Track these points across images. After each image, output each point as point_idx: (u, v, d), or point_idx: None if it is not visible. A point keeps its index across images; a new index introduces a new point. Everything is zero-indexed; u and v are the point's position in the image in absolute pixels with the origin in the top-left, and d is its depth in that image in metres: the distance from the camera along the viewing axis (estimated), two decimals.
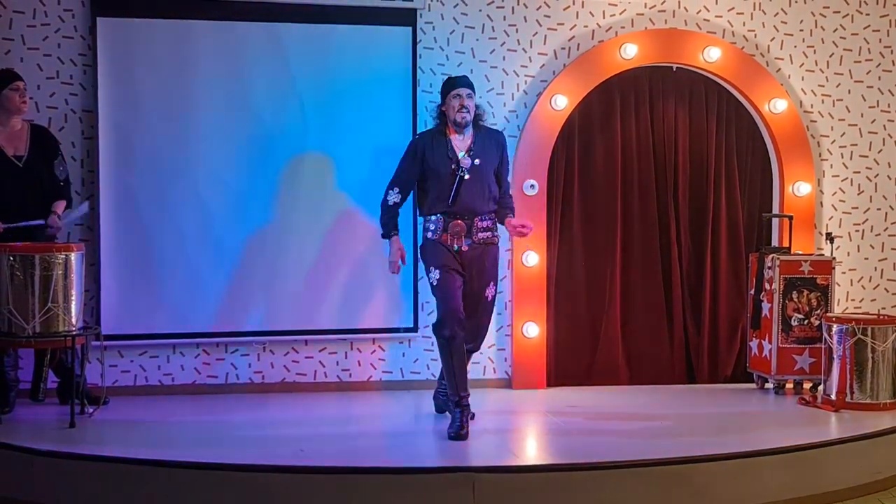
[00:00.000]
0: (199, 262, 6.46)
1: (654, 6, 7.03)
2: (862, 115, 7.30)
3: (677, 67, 7.09)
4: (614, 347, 7.04)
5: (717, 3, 7.10)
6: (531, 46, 6.91)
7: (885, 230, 7.37)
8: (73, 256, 5.57)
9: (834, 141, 7.28)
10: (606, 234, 7.04)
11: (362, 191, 6.61)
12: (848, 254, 7.30)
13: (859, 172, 7.32)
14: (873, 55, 7.30)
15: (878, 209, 7.36)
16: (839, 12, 7.25)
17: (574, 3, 6.94)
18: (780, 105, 7.06)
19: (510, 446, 5.52)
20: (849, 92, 7.28)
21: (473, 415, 5.73)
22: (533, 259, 6.80)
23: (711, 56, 6.95)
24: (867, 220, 7.34)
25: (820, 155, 7.26)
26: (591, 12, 6.96)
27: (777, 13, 7.17)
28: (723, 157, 7.19)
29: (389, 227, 5.70)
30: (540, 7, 6.91)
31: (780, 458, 5.11)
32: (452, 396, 5.48)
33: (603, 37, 6.96)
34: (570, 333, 7.02)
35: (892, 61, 7.34)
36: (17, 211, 5.77)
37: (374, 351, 6.78)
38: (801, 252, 6.89)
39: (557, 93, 6.82)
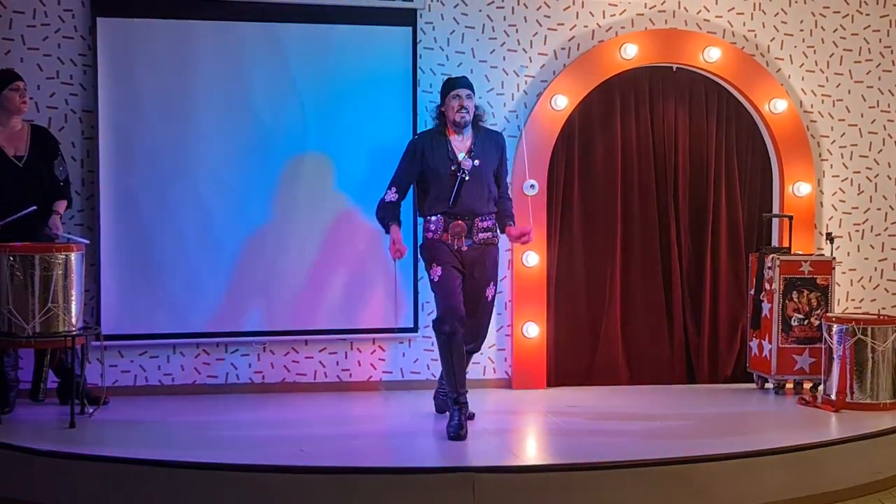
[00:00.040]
0: (199, 262, 6.46)
1: (654, 6, 7.03)
2: (862, 116, 7.30)
3: (677, 67, 7.09)
4: (614, 347, 7.04)
5: (717, 3, 7.10)
6: (531, 46, 6.91)
7: (885, 230, 7.37)
8: (73, 256, 5.57)
9: (834, 141, 7.28)
10: (606, 234, 7.04)
11: (362, 190, 6.60)
12: (848, 254, 7.30)
13: (859, 172, 7.32)
14: (873, 55, 7.30)
15: (878, 209, 7.36)
16: (839, 12, 7.25)
17: (574, 3, 6.94)
18: (780, 105, 7.06)
19: (510, 446, 5.52)
20: (849, 92, 7.28)
21: (473, 414, 5.74)
22: (533, 259, 6.80)
23: (711, 56, 6.95)
24: (867, 220, 7.35)
25: (820, 155, 7.26)
26: (591, 12, 6.96)
27: (777, 13, 7.17)
28: (723, 157, 7.19)
29: (387, 220, 5.69)
30: (540, 7, 6.91)
31: (780, 458, 5.11)
32: (451, 394, 5.49)
33: (603, 37, 6.96)
34: (571, 333, 7.02)
35: (893, 61, 7.34)
36: (17, 211, 5.76)
37: (374, 351, 6.78)
38: (801, 252, 6.89)
39: (557, 93, 6.82)
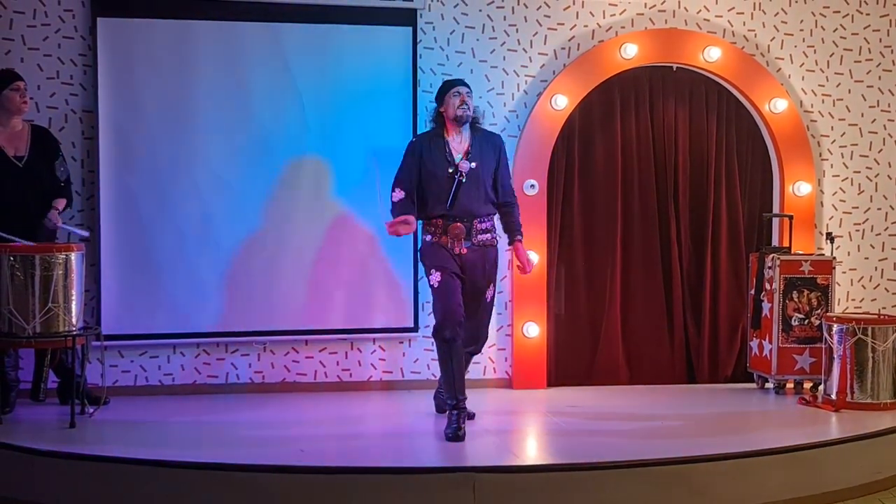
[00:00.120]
0: (199, 262, 6.46)
1: (654, 6, 7.03)
2: (862, 115, 7.30)
3: (677, 67, 7.09)
4: (614, 347, 7.04)
5: (717, 2, 7.10)
6: (531, 46, 6.91)
7: (885, 230, 7.37)
8: (74, 256, 5.57)
9: (834, 141, 7.28)
10: (607, 233, 7.04)
11: (362, 190, 6.61)
12: (848, 253, 7.30)
13: (859, 172, 7.32)
14: (873, 55, 7.30)
15: (879, 209, 7.36)
16: (839, 12, 7.25)
17: (574, 3, 6.94)
18: (780, 105, 7.06)
19: (510, 446, 5.52)
20: (849, 92, 7.28)
21: (473, 415, 5.74)
22: (533, 259, 6.77)
23: (711, 56, 6.95)
24: (867, 219, 7.34)
25: (820, 155, 7.26)
26: (591, 12, 6.96)
27: (777, 13, 7.17)
28: (723, 156, 7.19)
29: (397, 213, 5.59)
30: (540, 7, 6.91)
31: (780, 458, 5.11)
32: (450, 400, 5.47)
33: (603, 37, 6.96)
34: (571, 333, 7.02)
35: (893, 61, 7.34)
36: (18, 212, 5.77)
37: (374, 351, 6.78)
38: (801, 252, 6.89)
39: (557, 93, 6.82)
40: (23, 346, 5.72)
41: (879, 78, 7.32)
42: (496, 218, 5.76)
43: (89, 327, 5.97)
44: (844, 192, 7.31)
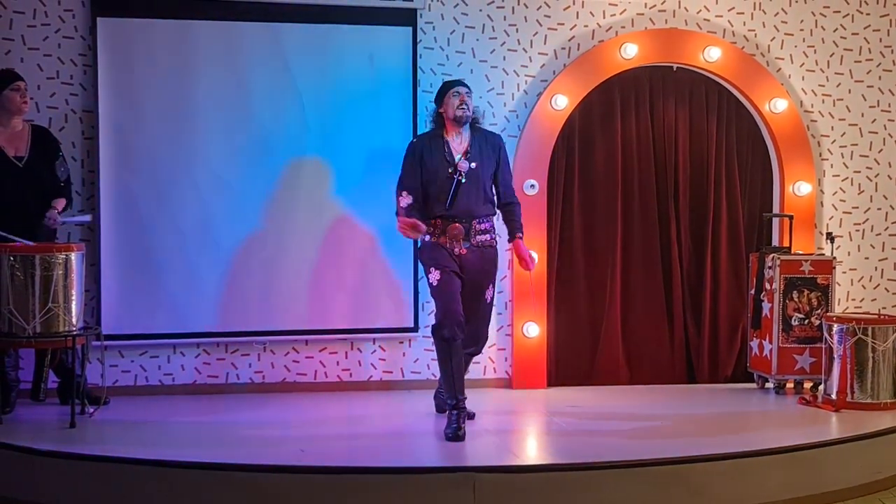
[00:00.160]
0: (199, 262, 6.46)
1: (655, 6, 7.03)
2: (862, 115, 7.30)
3: (677, 67, 7.09)
4: (615, 347, 7.04)
5: (717, 2, 7.10)
6: (531, 46, 6.91)
7: (885, 230, 7.37)
8: (74, 256, 5.57)
9: (834, 141, 7.28)
10: (607, 233, 7.04)
11: (362, 190, 6.61)
12: (848, 253, 7.30)
13: (860, 172, 7.32)
14: (873, 55, 7.30)
15: (879, 209, 7.36)
16: (839, 12, 7.25)
17: (574, 3, 6.94)
18: (780, 105, 7.06)
19: (510, 446, 5.52)
20: (849, 92, 7.28)
21: (473, 414, 5.74)
22: (534, 257, 6.78)
23: (712, 56, 6.95)
24: (867, 219, 7.34)
25: (820, 154, 7.26)
26: (591, 12, 6.96)
27: (777, 13, 7.17)
28: (723, 156, 7.19)
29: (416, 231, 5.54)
30: (540, 7, 6.91)
31: (780, 458, 5.11)
32: (450, 400, 5.47)
33: (603, 37, 6.96)
34: (571, 333, 7.02)
35: (893, 61, 7.34)
36: (18, 212, 5.76)
37: (375, 351, 6.78)
38: (801, 252, 6.89)
39: (558, 93, 6.82)
40: (23, 346, 5.72)
41: (879, 78, 7.32)
42: (495, 218, 5.75)
43: (89, 327, 5.97)
44: (844, 192, 7.31)
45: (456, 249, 5.57)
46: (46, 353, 5.89)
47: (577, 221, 7.01)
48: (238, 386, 6.59)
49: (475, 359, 6.11)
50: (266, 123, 6.53)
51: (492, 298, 5.76)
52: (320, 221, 6.61)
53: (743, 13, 7.13)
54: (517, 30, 6.89)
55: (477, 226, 5.61)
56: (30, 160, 5.89)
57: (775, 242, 7.08)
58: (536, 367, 6.84)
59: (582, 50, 6.94)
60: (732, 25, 7.11)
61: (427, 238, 5.63)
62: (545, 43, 6.93)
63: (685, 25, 7.05)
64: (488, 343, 5.98)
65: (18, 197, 5.80)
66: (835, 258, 6.77)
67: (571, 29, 6.95)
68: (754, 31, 7.15)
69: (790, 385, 6.70)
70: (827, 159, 7.27)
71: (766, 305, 6.70)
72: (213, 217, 6.48)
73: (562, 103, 6.82)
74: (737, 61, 7.03)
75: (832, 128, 7.27)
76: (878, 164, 7.34)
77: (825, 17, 7.24)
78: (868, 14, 7.29)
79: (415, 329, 6.74)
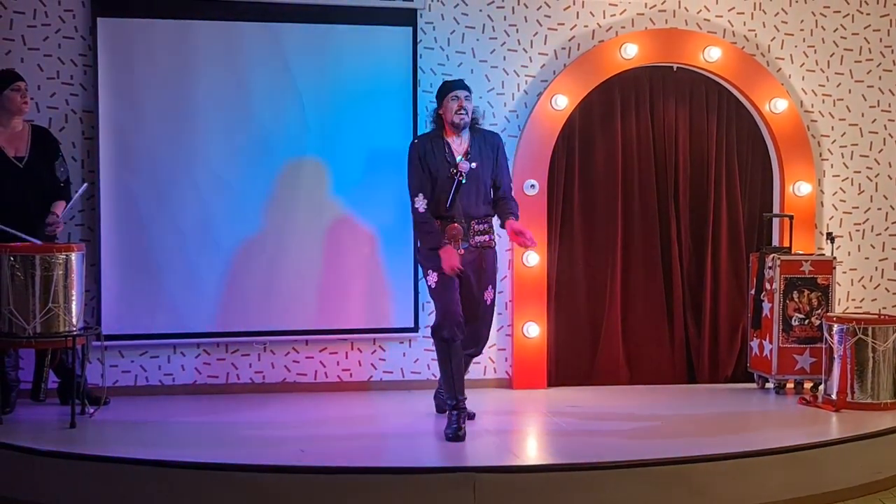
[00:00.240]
0: (199, 263, 6.46)
1: (655, 6, 7.03)
2: (862, 115, 7.30)
3: (678, 67, 7.09)
4: (615, 347, 7.04)
5: (717, 2, 7.10)
6: (531, 46, 6.91)
7: (885, 230, 7.37)
8: (74, 257, 5.57)
9: (834, 141, 7.28)
10: (607, 233, 7.04)
11: (362, 190, 6.61)
12: (848, 253, 7.30)
13: (860, 172, 7.32)
14: (874, 55, 7.30)
15: (879, 209, 7.35)
16: (840, 12, 7.25)
17: (574, 3, 6.94)
18: (780, 105, 7.06)
19: (510, 446, 5.52)
20: (849, 92, 7.28)
21: (473, 414, 5.74)
22: (533, 259, 6.80)
23: (712, 56, 6.95)
24: (868, 219, 7.34)
25: (820, 155, 7.26)
26: (591, 12, 6.96)
27: (777, 13, 7.17)
28: (723, 156, 7.19)
29: (436, 236, 5.50)
30: (540, 7, 6.91)
31: (780, 458, 5.11)
32: (450, 400, 5.47)
33: (603, 37, 6.96)
34: (571, 333, 7.02)
35: (893, 61, 7.34)
36: (18, 212, 5.76)
37: (375, 351, 6.78)
38: (801, 252, 6.89)
39: (558, 93, 6.82)
40: (23, 347, 5.72)
41: (880, 78, 7.32)
42: (494, 219, 5.74)
43: (89, 327, 5.97)
44: (845, 192, 7.31)
45: (454, 250, 5.56)
46: (46, 353, 5.89)
47: (577, 221, 7.01)
48: (238, 386, 6.59)
49: (475, 359, 6.11)
50: (266, 123, 6.53)
51: (492, 300, 5.74)
52: (320, 221, 6.60)
53: (743, 13, 7.13)
54: (517, 30, 6.89)
55: (476, 226, 5.60)
56: (30, 160, 5.89)
57: (775, 242, 7.08)
58: (536, 367, 6.84)
59: (582, 50, 6.94)
60: (732, 25, 7.11)
61: None
62: (545, 43, 6.93)
63: (685, 25, 7.05)
64: (489, 343, 5.98)
65: (18, 197, 5.80)
66: (835, 258, 6.77)
67: (571, 29, 6.95)
68: (754, 31, 7.15)
69: (790, 385, 6.70)
70: (827, 159, 7.27)
71: (766, 305, 6.70)
72: (213, 217, 6.48)
73: (562, 103, 6.82)
74: (737, 61, 7.03)
75: (832, 128, 7.27)
76: (879, 164, 7.34)
77: (825, 17, 7.24)
78: (868, 14, 7.29)
79: (415, 329, 6.74)
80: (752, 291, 6.85)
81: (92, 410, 5.78)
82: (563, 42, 6.95)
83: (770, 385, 6.71)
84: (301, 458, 4.95)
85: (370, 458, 5.13)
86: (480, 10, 6.85)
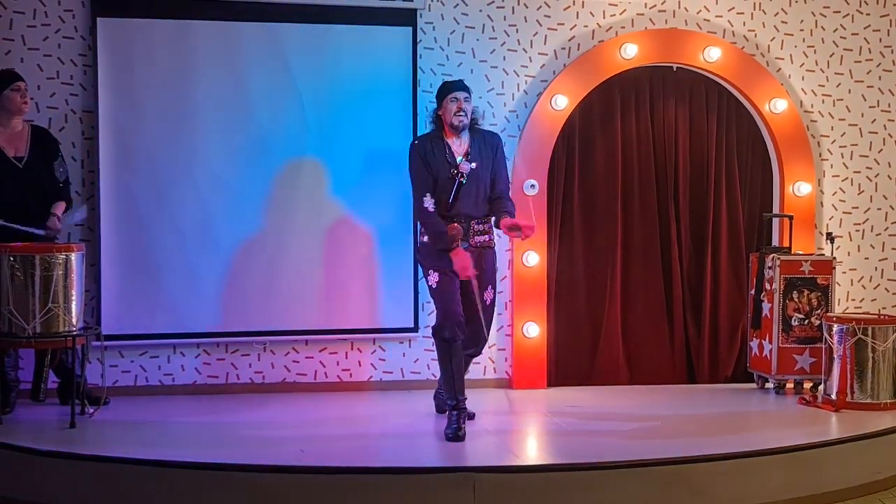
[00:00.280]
0: (199, 263, 6.46)
1: (655, 6, 7.03)
2: (862, 115, 7.30)
3: (677, 67, 7.09)
4: (615, 347, 7.04)
5: (717, 3, 7.10)
6: (531, 46, 6.91)
7: (885, 230, 7.37)
8: (74, 257, 5.57)
9: (834, 141, 7.28)
10: (607, 233, 7.04)
11: (362, 190, 6.61)
12: (848, 253, 7.30)
13: (860, 172, 7.32)
14: (873, 55, 7.30)
15: (879, 209, 7.36)
16: (839, 12, 7.25)
17: (574, 3, 6.94)
18: (780, 105, 7.06)
19: (510, 446, 5.52)
20: (849, 92, 7.28)
21: (473, 415, 5.74)
22: (533, 259, 6.80)
23: (712, 56, 6.95)
24: (867, 219, 7.34)
25: (820, 155, 7.26)
26: (591, 12, 6.96)
27: (777, 13, 7.17)
28: (723, 156, 7.19)
29: (447, 236, 5.45)
30: (540, 7, 6.91)
31: (780, 458, 5.11)
32: (450, 400, 5.47)
33: (603, 37, 6.96)
34: (571, 333, 7.02)
35: (893, 61, 7.34)
36: (17, 212, 5.76)
37: (375, 351, 6.78)
38: (801, 252, 6.89)
39: (558, 93, 6.82)
40: (23, 347, 5.72)
41: (879, 78, 7.32)
42: (493, 219, 5.74)
43: (89, 327, 5.97)
44: (844, 192, 7.31)
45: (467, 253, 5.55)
46: (46, 353, 5.89)
47: (577, 221, 7.01)
48: (238, 386, 6.59)
49: (475, 359, 6.11)
50: (265, 123, 6.53)
51: (492, 301, 5.74)
52: (320, 221, 6.60)
53: (743, 13, 7.13)
54: (517, 30, 6.89)
55: (475, 226, 5.60)
56: (29, 160, 5.89)
57: (775, 242, 7.08)
58: (536, 367, 6.84)
59: (582, 50, 6.94)
60: (732, 25, 7.11)
61: (426, 239, 5.63)
62: (545, 43, 6.93)
63: (685, 25, 7.05)
64: (489, 343, 5.98)
65: (18, 197, 5.80)
66: (835, 258, 6.77)
67: (571, 29, 6.95)
68: (754, 31, 7.15)
69: (790, 385, 6.70)
70: (827, 159, 7.27)
71: (766, 305, 6.70)
72: (212, 217, 6.48)
73: (562, 103, 6.82)
74: (737, 61, 7.03)
75: (832, 128, 7.27)
76: (878, 164, 7.34)
77: (825, 17, 7.24)
78: (868, 14, 7.29)
79: (415, 329, 6.74)
80: (752, 291, 6.85)
81: (92, 410, 5.78)
82: (563, 42, 6.95)
83: (770, 385, 6.71)
84: (301, 458, 4.95)
85: (370, 458, 5.13)
86: (480, 10, 6.85)
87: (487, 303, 5.71)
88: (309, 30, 6.56)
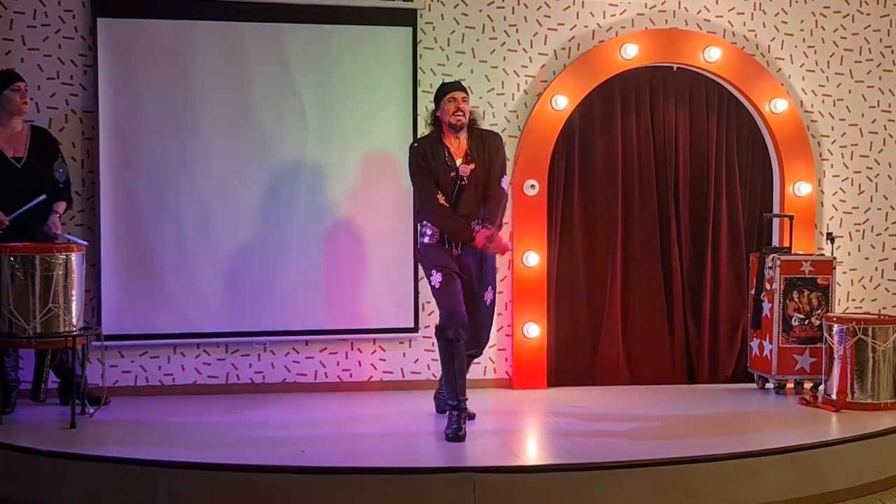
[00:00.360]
0: (199, 263, 6.46)
1: (655, 6, 7.03)
2: (862, 115, 7.30)
3: (678, 67, 7.09)
4: (615, 347, 7.04)
5: (717, 3, 7.10)
6: (531, 46, 6.91)
7: (885, 230, 7.37)
8: (74, 257, 5.57)
9: (834, 141, 7.28)
10: (607, 233, 7.04)
11: (363, 190, 6.61)
12: (848, 254, 7.30)
13: (860, 172, 7.32)
14: (874, 55, 7.30)
15: (879, 209, 7.35)
16: (839, 12, 7.25)
17: (574, 3, 6.94)
18: (780, 105, 7.06)
19: (511, 446, 5.52)
20: (849, 92, 7.28)
21: (473, 415, 5.73)
22: (533, 259, 6.80)
23: (712, 56, 6.95)
24: (868, 219, 7.34)
25: (820, 155, 7.26)
26: (591, 12, 6.96)
27: (777, 13, 7.17)
28: (723, 156, 7.19)
29: (465, 225, 5.44)
30: (540, 7, 6.91)
31: (780, 458, 5.11)
32: (451, 401, 5.46)
33: (603, 37, 6.96)
34: (571, 333, 7.02)
35: (893, 61, 7.34)
36: (16, 212, 5.76)
37: (375, 351, 6.78)
38: (801, 252, 6.89)
39: (558, 93, 6.82)
40: (23, 347, 5.72)
41: (880, 78, 7.32)
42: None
43: (89, 327, 5.97)
44: (844, 192, 7.31)
45: (454, 251, 5.56)
46: (46, 353, 5.90)
47: (577, 221, 7.01)
48: (238, 386, 6.59)
49: (476, 359, 6.11)
50: (266, 123, 6.53)
51: (492, 301, 5.74)
52: (320, 221, 6.60)
53: (743, 13, 7.13)
54: (517, 30, 6.89)
55: (475, 226, 5.58)
56: (28, 161, 5.89)
57: (775, 242, 7.08)
58: (536, 367, 6.84)
59: (582, 50, 6.94)
60: (732, 25, 7.11)
61: (426, 240, 5.63)
62: (545, 43, 6.93)
63: (685, 25, 7.05)
64: (489, 343, 5.98)
65: (18, 198, 5.79)
66: (835, 258, 6.77)
67: (571, 29, 6.95)
68: (754, 31, 7.15)
69: (790, 385, 6.70)
70: (827, 159, 7.27)
71: (766, 305, 6.70)
72: (213, 217, 6.48)
73: (562, 103, 6.82)
74: (737, 61, 7.03)
75: (832, 128, 7.27)
76: (878, 164, 7.34)
77: (825, 17, 7.24)
78: (868, 14, 7.29)
79: (415, 329, 6.74)
80: (752, 291, 6.85)
81: (92, 410, 5.78)
82: (563, 42, 6.95)
83: (770, 385, 6.71)
84: (301, 458, 4.95)
85: (370, 458, 5.13)
86: (480, 10, 6.85)
87: (488, 303, 5.71)
88: (309, 30, 6.56)
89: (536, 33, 6.92)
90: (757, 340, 6.82)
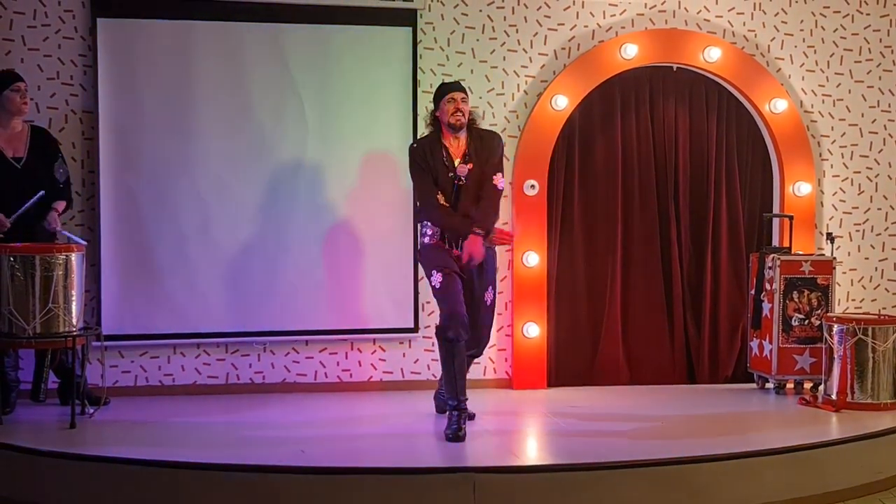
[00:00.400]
0: (199, 263, 6.46)
1: (655, 6, 7.03)
2: (862, 115, 7.30)
3: (678, 67, 7.09)
4: (615, 347, 7.04)
5: (717, 3, 7.10)
6: (531, 46, 6.91)
7: (885, 230, 7.37)
8: (74, 257, 5.57)
9: (834, 141, 7.28)
10: (607, 234, 7.04)
11: (363, 190, 6.61)
12: (848, 254, 7.30)
13: (860, 172, 7.32)
14: (874, 55, 7.30)
15: (879, 209, 7.36)
16: (839, 12, 7.25)
17: (574, 4, 6.94)
18: (780, 105, 7.06)
19: (511, 446, 5.52)
20: (849, 92, 7.28)
21: (473, 415, 5.73)
22: (533, 259, 6.80)
23: (712, 56, 6.95)
24: (868, 219, 7.34)
25: (820, 155, 7.26)
26: (591, 12, 6.96)
27: (777, 13, 7.17)
28: (723, 156, 7.19)
29: (465, 221, 5.47)
30: (540, 7, 6.91)
31: (780, 459, 5.11)
32: (451, 401, 5.46)
33: (603, 37, 6.96)
34: (571, 333, 7.02)
35: (893, 61, 7.34)
36: (16, 212, 5.75)
37: (375, 351, 6.78)
38: (801, 252, 6.89)
39: (558, 93, 6.82)
40: (23, 347, 5.72)
41: (879, 78, 7.32)
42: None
43: (89, 328, 5.97)
44: (844, 192, 7.31)
45: (455, 251, 5.56)
46: (46, 353, 5.89)
47: (577, 221, 7.01)
48: (238, 386, 6.59)
49: (476, 359, 6.11)
50: (266, 123, 6.53)
51: (492, 301, 5.75)
52: (320, 221, 6.60)
53: (743, 13, 7.13)
54: (517, 30, 6.89)
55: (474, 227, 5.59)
56: (28, 161, 5.89)
57: (775, 242, 7.08)
58: (536, 367, 6.84)
59: (582, 50, 6.94)
60: (732, 25, 7.11)
61: (426, 240, 5.63)
62: (545, 43, 6.93)
63: (685, 26, 7.05)
64: (489, 344, 5.98)
65: (17, 198, 5.79)
66: (835, 258, 6.77)
67: (571, 29, 6.95)
68: (754, 31, 7.15)
69: (790, 385, 6.70)
70: (827, 159, 7.28)
71: (766, 305, 6.70)
72: (213, 217, 6.48)
73: (562, 103, 6.83)
74: (737, 61, 7.03)
75: (832, 128, 7.27)
76: (878, 164, 7.34)
77: (825, 17, 7.24)
78: (868, 14, 7.29)
79: (415, 329, 6.74)
80: (752, 291, 6.85)
81: (92, 411, 5.78)
82: (563, 42, 6.95)
83: (770, 385, 6.71)
84: (301, 458, 4.95)
85: (370, 458, 5.13)
86: (480, 11, 6.85)
87: (488, 303, 5.71)
88: (309, 30, 6.57)
89: (536, 33, 6.92)
90: (757, 340, 6.82)
